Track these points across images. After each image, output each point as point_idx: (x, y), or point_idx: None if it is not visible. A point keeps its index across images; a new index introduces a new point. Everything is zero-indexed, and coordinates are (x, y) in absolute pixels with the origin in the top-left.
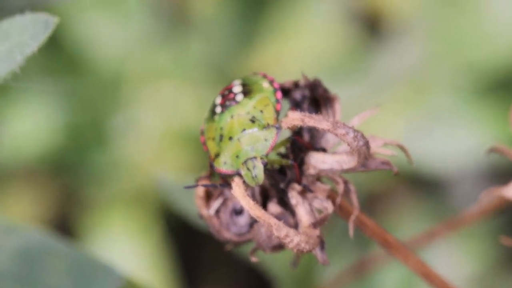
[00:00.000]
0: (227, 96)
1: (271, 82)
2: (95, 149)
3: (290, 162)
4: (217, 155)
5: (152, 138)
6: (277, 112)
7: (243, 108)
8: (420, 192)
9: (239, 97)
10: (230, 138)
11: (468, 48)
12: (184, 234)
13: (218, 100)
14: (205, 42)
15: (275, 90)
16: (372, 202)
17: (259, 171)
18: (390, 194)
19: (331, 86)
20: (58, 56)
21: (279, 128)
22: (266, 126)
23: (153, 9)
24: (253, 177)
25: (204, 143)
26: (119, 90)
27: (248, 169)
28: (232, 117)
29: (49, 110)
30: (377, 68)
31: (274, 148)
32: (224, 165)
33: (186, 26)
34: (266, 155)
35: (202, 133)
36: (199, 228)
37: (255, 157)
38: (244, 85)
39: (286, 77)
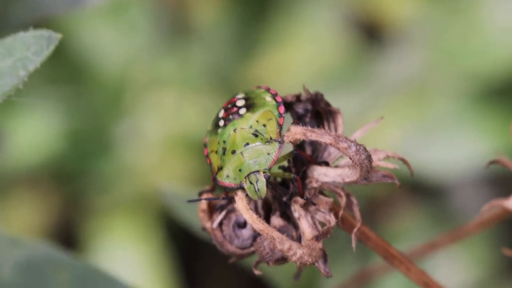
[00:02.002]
0: (230, 110)
1: (274, 95)
2: (98, 156)
3: (292, 175)
4: (220, 169)
5: (154, 145)
6: (280, 126)
7: (246, 122)
8: (420, 198)
9: (242, 111)
10: (233, 152)
11: (468, 56)
12: (185, 241)
13: (221, 113)
14: (207, 50)
15: (278, 104)
16: (373, 209)
17: (261, 185)
18: (391, 200)
19: (332, 95)
20: (61, 65)
21: (281, 142)
22: (268, 140)
23: (156, 18)
24: (256, 191)
25: (207, 156)
26: (122, 98)
27: (251, 182)
28: (235, 130)
29: (52, 118)
30: (378, 76)
31: (276, 162)
32: (226, 178)
33: (188, 35)
34: (269, 169)
35: (205, 145)
36: (201, 237)
37: (257, 171)
38: (247, 98)
39: (287, 85)
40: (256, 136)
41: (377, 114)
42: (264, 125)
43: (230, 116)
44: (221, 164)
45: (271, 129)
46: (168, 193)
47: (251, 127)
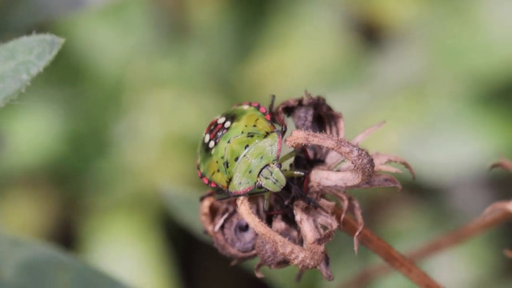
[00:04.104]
0: (215, 129)
1: (250, 104)
2: (97, 156)
3: (302, 173)
4: (229, 181)
5: (153, 145)
6: (269, 121)
7: (236, 131)
8: (419, 199)
9: (227, 124)
10: (236, 159)
11: (467, 56)
12: (183, 240)
13: (207, 137)
14: (205, 50)
15: (257, 107)
16: (372, 209)
17: (277, 174)
18: (390, 201)
19: (331, 96)
20: (60, 65)
21: (279, 131)
22: (265, 135)
23: (154, 18)
24: (274, 182)
25: (209, 182)
26: (120, 98)
27: (266, 177)
28: (229, 142)
29: (51, 118)
30: (377, 77)
31: (279, 161)
32: (239, 185)
33: (186, 35)
34: (277, 159)
35: (203, 175)
36: (201, 237)
37: (267, 165)
38: (226, 115)
39: (286, 85)
40: (252, 136)
41: (376, 115)
42: (255, 125)
43: (218, 133)
44: (228, 176)
45: (263, 126)
46: (168, 194)
47: (242, 132)
